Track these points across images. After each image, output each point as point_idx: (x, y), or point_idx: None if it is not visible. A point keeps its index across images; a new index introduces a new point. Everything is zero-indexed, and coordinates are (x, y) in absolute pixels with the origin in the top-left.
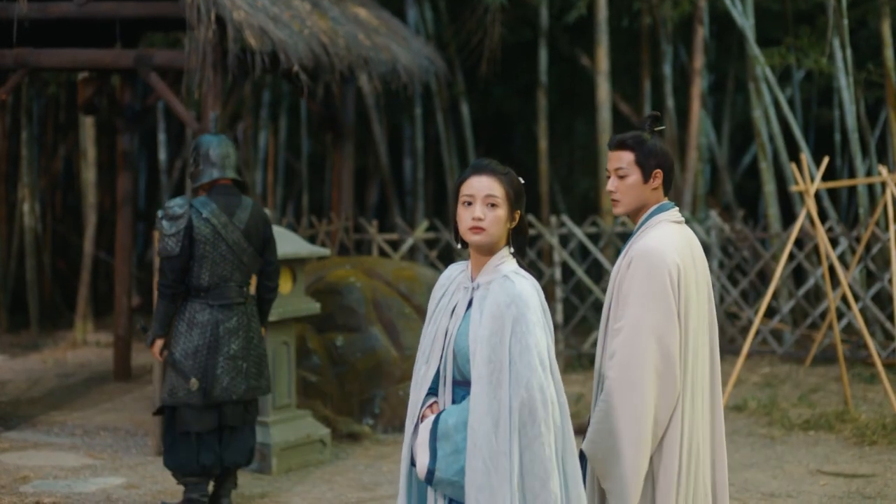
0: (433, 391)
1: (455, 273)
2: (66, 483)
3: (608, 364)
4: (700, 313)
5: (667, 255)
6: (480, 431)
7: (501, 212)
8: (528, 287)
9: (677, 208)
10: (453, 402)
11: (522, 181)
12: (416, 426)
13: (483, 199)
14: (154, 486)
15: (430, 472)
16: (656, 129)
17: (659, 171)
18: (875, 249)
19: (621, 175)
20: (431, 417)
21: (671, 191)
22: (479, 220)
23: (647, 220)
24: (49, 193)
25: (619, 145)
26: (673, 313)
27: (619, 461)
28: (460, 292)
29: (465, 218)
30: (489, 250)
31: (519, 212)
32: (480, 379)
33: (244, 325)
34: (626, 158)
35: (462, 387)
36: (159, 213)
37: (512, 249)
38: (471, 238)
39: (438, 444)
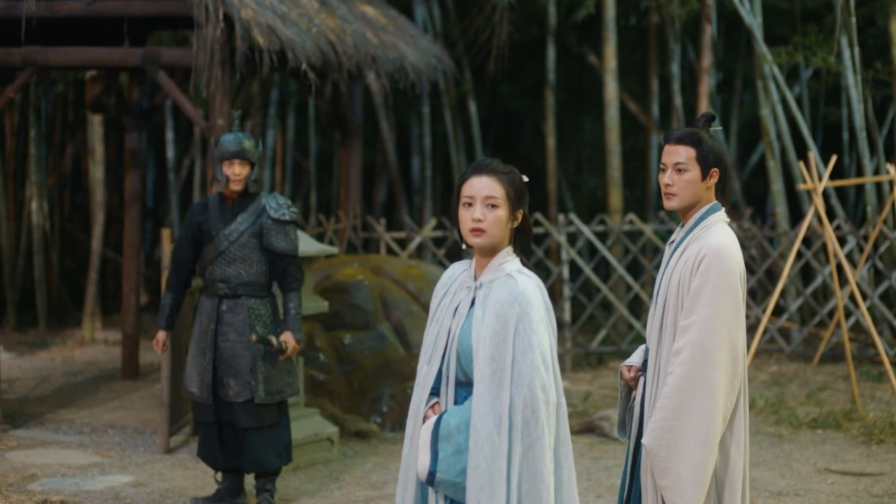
0: (435, 392)
1: (457, 272)
2: (73, 481)
3: (674, 361)
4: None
5: (736, 254)
6: (483, 431)
7: (502, 212)
8: (531, 286)
9: (724, 209)
10: (455, 402)
11: (527, 179)
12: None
13: (483, 199)
14: (162, 484)
15: (431, 474)
16: (710, 129)
17: (716, 170)
18: (883, 248)
19: (680, 169)
20: (433, 418)
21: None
22: (479, 221)
23: (703, 218)
24: (57, 192)
25: (679, 140)
26: (742, 312)
27: (683, 458)
28: (463, 291)
29: (465, 219)
30: (492, 250)
31: (521, 211)
32: (483, 378)
33: None
34: (687, 154)
35: (465, 387)
36: (294, 215)
37: (515, 249)
38: (471, 240)
39: (440, 445)
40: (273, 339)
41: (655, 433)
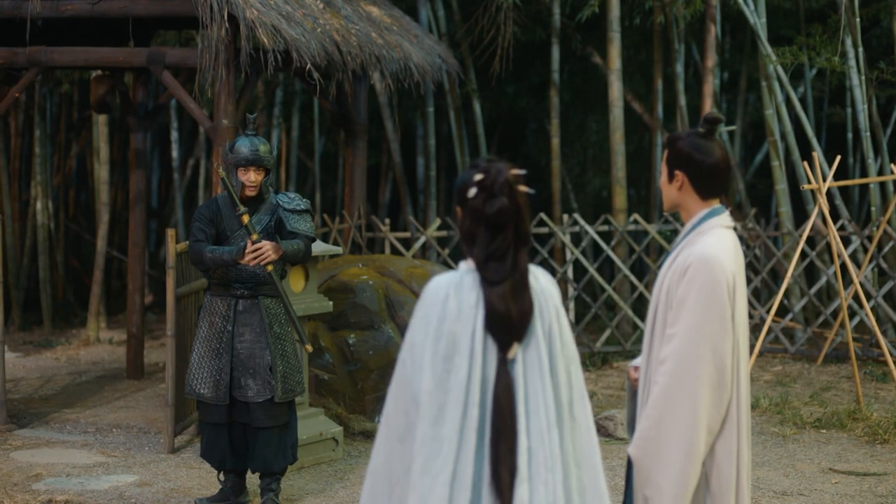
0: None
1: None
2: (78, 481)
3: (659, 370)
4: (744, 318)
5: (725, 263)
6: None
7: (458, 210)
8: (436, 281)
9: (728, 212)
10: None
11: (476, 178)
12: None
13: None
14: (166, 484)
15: None
16: (702, 129)
17: (679, 172)
18: (887, 248)
19: (661, 172)
20: None
21: (721, 195)
22: None
23: (699, 223)
24: (62, 191)
25: (664, 143)
26: (728, 322)
27: (664, 470)
28: None
29: None
30: None
31: (458, 208)
32: None
33: None
34: (664, 156)
35: None
36: (307, 204)
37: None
38: None
39: None
40: (256, 234)
41: (639, 443)
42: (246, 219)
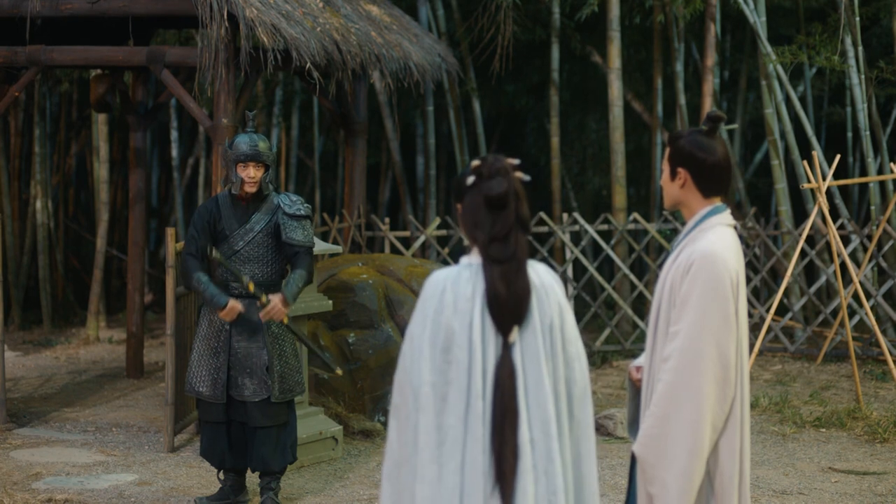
0: None
1: None
2: (78, 480)
3: (663, 367)
4: (745, 317)
5: (728, 260)
6: None
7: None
8: (435, 275)
9: (729, 211)
10: None
11: (470, 172)
12: None
13: None
14: (166, 483)
15: None
16: (705, 127)
17: (681, 170)
18: (887, 247)
19: (663, 169)
20: None
21: (722, 193)
22: None
23: (701, 221)
24: (61, 190)
25: (667, 140)
26: (732, 318)
27: (669, 467)
28: None
29: None
30: None
31: (458, 205)
32: None
33: None
34: (666, 154)
35: None
36: (308, 209)
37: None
38: None
39: None
40: (264, 297)
41: (644, 441)
42: (252, 287)
